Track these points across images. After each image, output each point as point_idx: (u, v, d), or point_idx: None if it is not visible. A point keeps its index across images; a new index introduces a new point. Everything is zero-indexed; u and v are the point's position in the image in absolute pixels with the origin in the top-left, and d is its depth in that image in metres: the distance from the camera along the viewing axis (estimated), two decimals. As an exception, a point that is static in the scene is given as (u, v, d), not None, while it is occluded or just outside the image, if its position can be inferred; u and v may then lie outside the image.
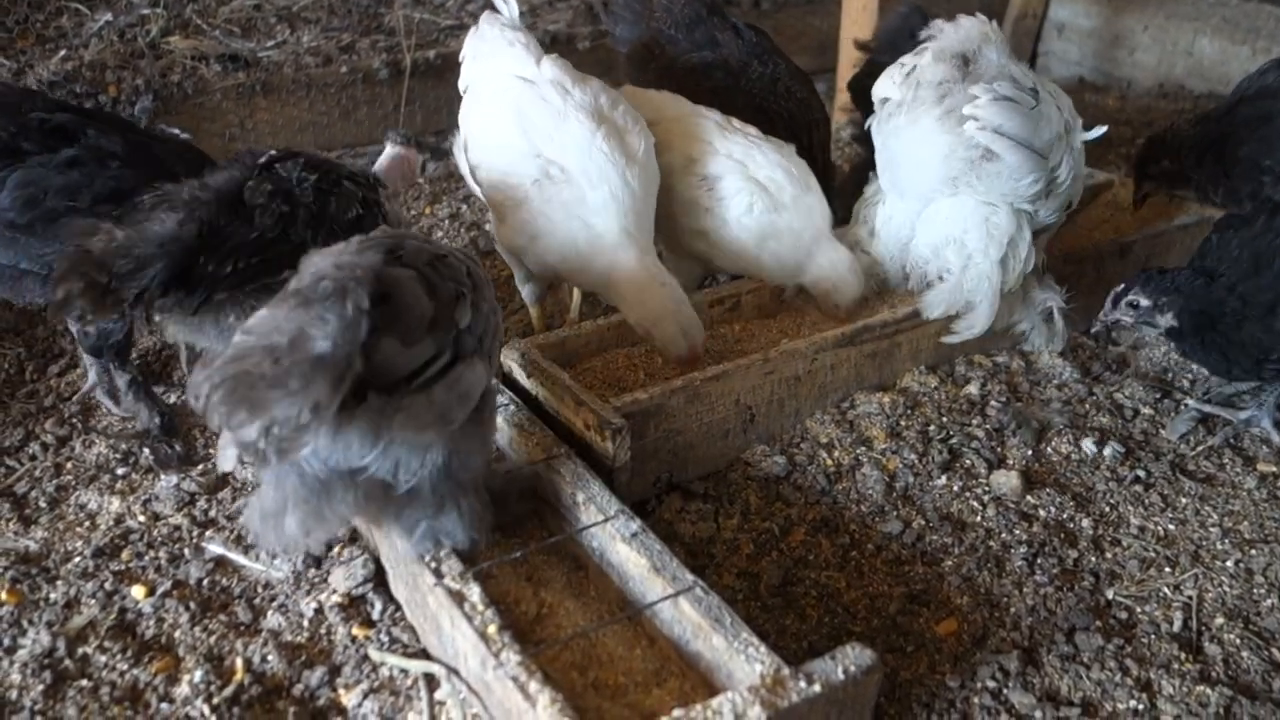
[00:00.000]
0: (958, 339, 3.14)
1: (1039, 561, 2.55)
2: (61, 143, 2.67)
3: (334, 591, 2.40)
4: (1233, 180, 3.50)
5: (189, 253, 2.40)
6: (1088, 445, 2.95)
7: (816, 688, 1.86)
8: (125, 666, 2.21)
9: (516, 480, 2.44)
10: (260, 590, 2.43)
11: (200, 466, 2.82)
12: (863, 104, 3.44)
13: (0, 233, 2.64)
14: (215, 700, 2.12)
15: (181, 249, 2.39)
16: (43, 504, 2.70)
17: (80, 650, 2.24)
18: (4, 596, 2.37)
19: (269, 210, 2.49)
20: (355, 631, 2.31)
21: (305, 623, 2.34)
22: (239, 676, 2.18)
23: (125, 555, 2.52)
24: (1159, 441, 3.03)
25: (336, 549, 2.51)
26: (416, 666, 2.20)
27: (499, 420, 2.58)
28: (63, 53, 4.55)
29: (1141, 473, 2.86)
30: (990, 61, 2.92)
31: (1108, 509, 2.75)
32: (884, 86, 3.04)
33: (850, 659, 1.91)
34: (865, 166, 3.52)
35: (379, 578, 2.42)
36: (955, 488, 2.80)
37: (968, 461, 2.89)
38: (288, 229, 2.50)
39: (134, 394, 2.96)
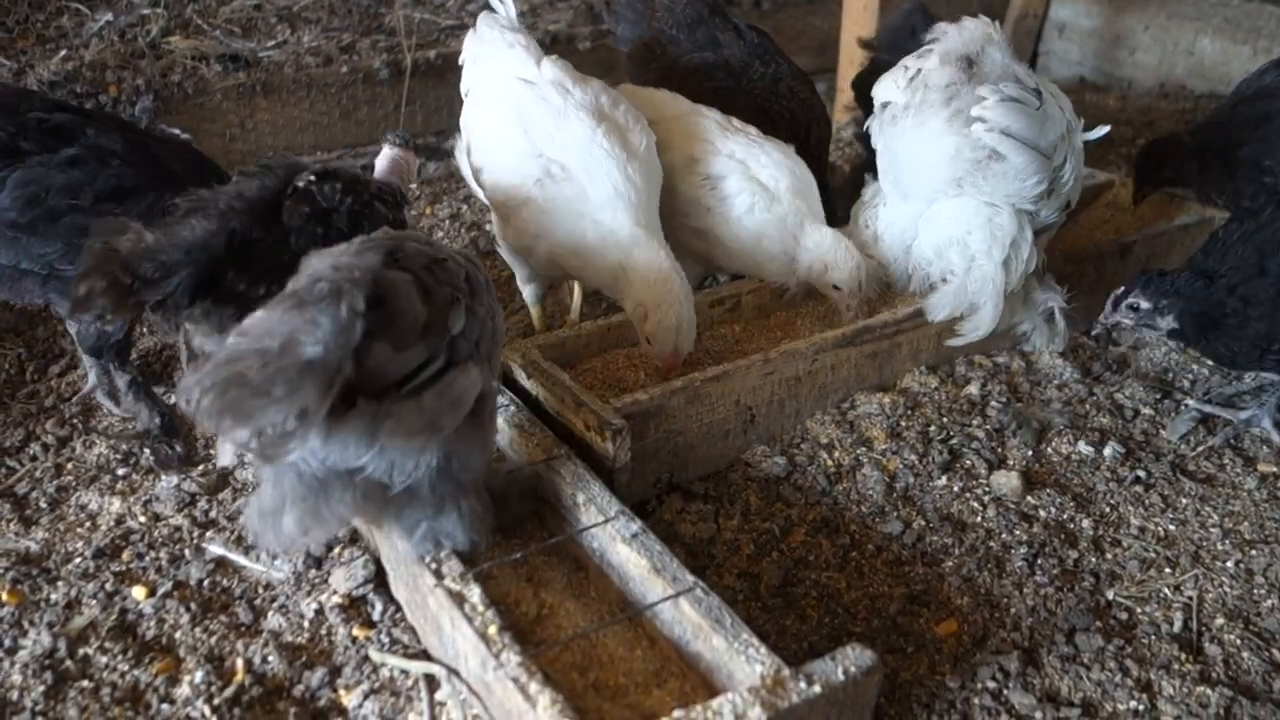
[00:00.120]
0: (962, 341, 3.14)
1: (1039, 562, 2.55)
2: (61, 142, 2.67)
3: (335, 592, 2.40)
4: (1235, 181, 3.50)
5: (216, 262, 2.38)
6: (1087, 446, 2.95)
7: (817, 688, 1.86)
8: (126, 667, 2.21)
9: (517, 480, 2.43)
10: (261, 591, 2.44)
11: (201, 467, 2.82)
12: (866, 102, 3.44)
13: (1, 233, 2.64)
14: (216, 701, 2.12)
15: (209, 258, 2.37)
16: (43, 504, 2.71)
17: (81, 651, 2.25)
18: (5, 597, 2.37)
19: (305, 233, 2.47)
20: (356, 632, 2.31)
21: (306, 623, 2.34)
22: (240, 677, 2.19)
23: (126, 556, 2.52)
24: (1159, 442, 3.03)
25: (337, 550, 2.51)
26: (417, 667, 2.20)
27: (499, 421, 2.58)
28: (63, 53, 4.55)
29: (1142, 473, 2.87)
30: (995, 62, 2.92)
31: (1108, 509, 2.75)
32: (886, 90, 3.04)
33: (850, 660, 1.92)
34: (865, 167, 3.52)
35: (379, 579, 2.42)
36: (955, 488, 2.80)
37: (968, 462, 2.89)
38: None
39: (134, 394, 2.96)
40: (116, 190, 2.68)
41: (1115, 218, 3.91)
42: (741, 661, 1.94)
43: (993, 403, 3.13)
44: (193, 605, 2.37)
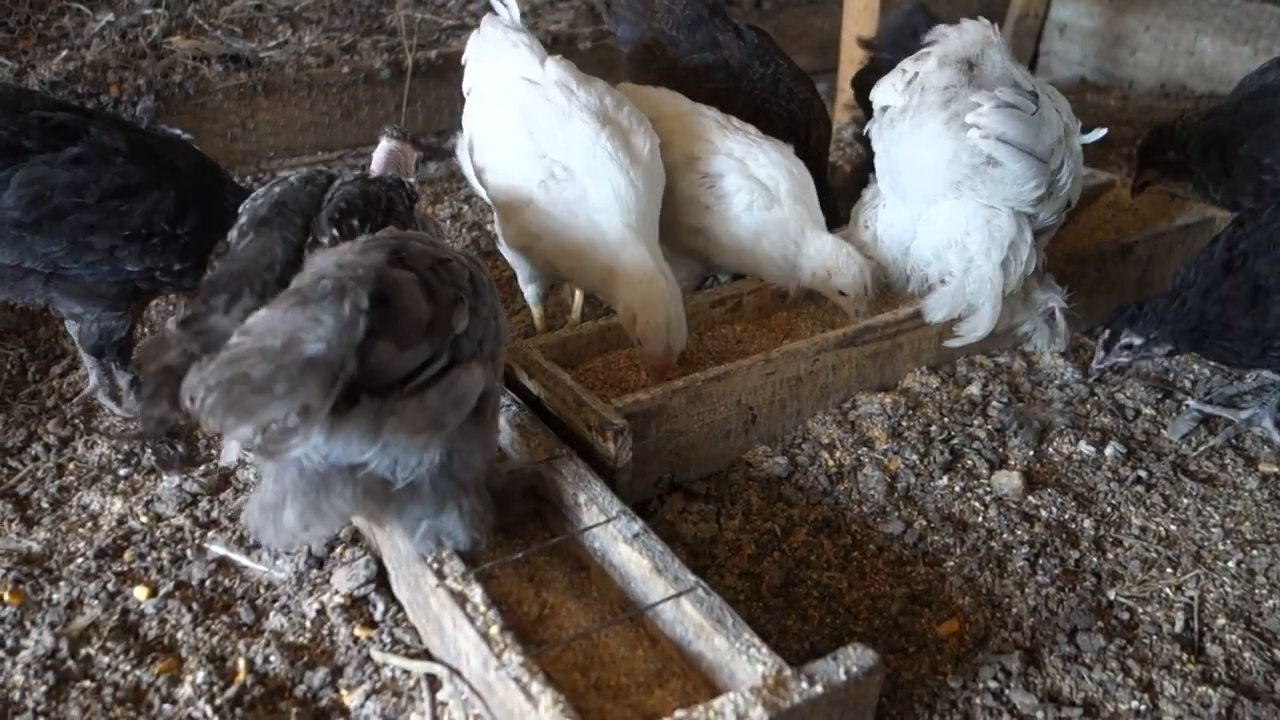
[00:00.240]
0: (961, 342, 3.14)
1: (1041, 562, 2.55)
2: (64, 141, 2.67)
3: (336, 592, 2.40)
4: (1233, 178, 3.50)
5: None
6: (1089, 446, 2.95)
7: (818, 688, 1.86)
8: (128, 667, 2.21)
9: (519, 480, 2.43)
10: (263, 591, 2.44)
11: (202, 467, 2.82)
12: (866, 101, 3.44)
13: (5, 232, 2.64)
14: (218, 701, 2.12)
15: None
16: (45, 505, 2.71)
17: (83, 651, 2.25)
18: (7, 597, 2.37)
19: None
20: (358, 632, 2.31)
21: (308, 623, 2.34)
22: (241, 677, 2.19)
23: (128, 556, 2.52)
24: (1160, 442, 3.03)
25: (339, 550, 2.51)
26: (419, 667, 2.20)
27: (500, 420, 2.58)
28: (64, 53, 4.55)
29: (1143, 473, 2.87)
30: (995, 64, 2.92)
31: (1109, 509, 2.75)
32: (884, 94, 3.04)
33: (852, 660, 1.92)
34: (866, 167, 3.51)
35: (381, 578, 2.42)
36: (957, 488, 2.80)
37: (969, 462, 2.89)
38: None
39: (136, 394, 2.96)
40: (122, 188, 2.68)
41: (1116, 218, 3.91)
42: (743, 661, 1.94)
43: (994, 403, 3.13)
44: (194, 605, 2.37)
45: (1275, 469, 2.92)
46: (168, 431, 2.92)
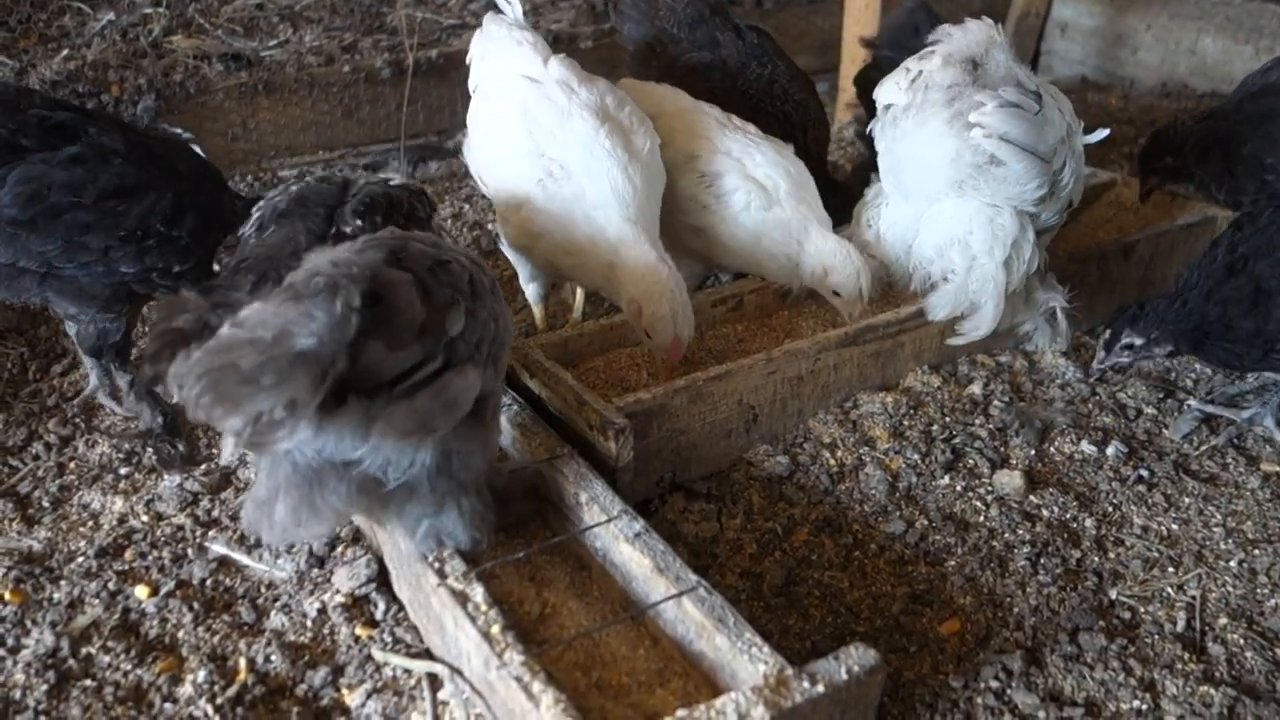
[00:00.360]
0: (963, 341, 3.13)
1: (1042, 561, 2.55)
2: (62, 140, 2.66)
3: (337, 591, 2.40)
4: (1236, 178, 3.50)
5: None
6: (1090, 445, 2.95)
7: (820, 688, 1.86)
8: (129, 666, 2.21)
9: (520, 479, 2.43)
10: (264, 590, 2.44)
11: (203, 466, 2.82)
12: (868, 99, 3.44)
13: (1, 229, 2.63)
14: (219, 700, 2.12)
15: None
16: (46, 504, 2.71)
17: (84, 650, 2.25)
18: (8, 596, 2.37)
19: None
20: (359, 631, 2.31)
21: (309, 623, 2.34)
22: (242, 676, 2.19)
23: (128, 555, 2.52)
24: (1162, 441, 3.03)
25: (340, 549, 2.51)
26: (420, 667, 2.20)
27: (501, 420, 2.58)
28: (65, 52, 4.54)
29: (1145, 472, 2.86)
30: (999, 64, 2.92)
31: (1111, 509, 2.75)
32: (888, 92, 3.04)
33: (853, 659, 1.91)
34: (867, 166, 3.51)
35: (382, 578, 2.42)
36: (958, 487, 2.80)
37: (971, 461, 2.89)
38: None
39: (136, 394, 2.96)
40: (118, 189, 2.68)
41: (1118, 217, 3.91)
42: (745, 661, 1.94)
43: (995, 402, 3.13)
44: (195, 604, 2.37)
45: (1277, 468, 2.92)
46: (169, 430, 2.92)
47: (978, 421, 3.05)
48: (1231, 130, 3.50)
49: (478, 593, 2.07)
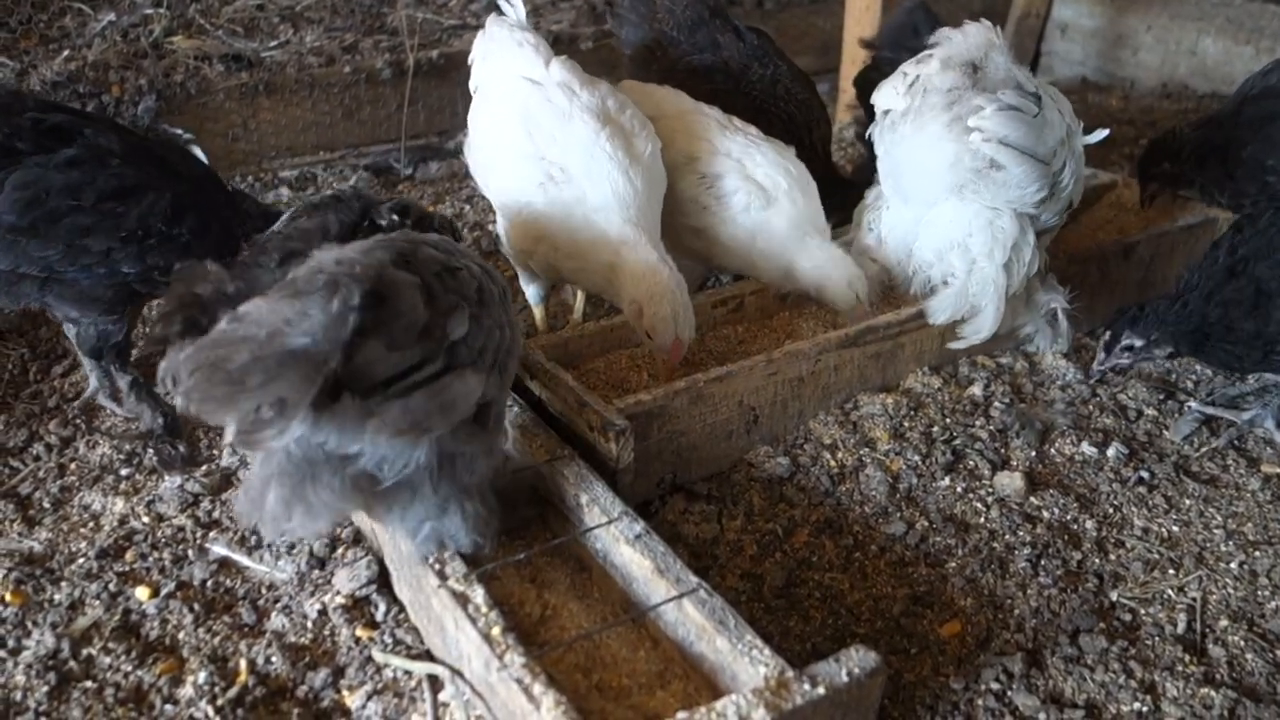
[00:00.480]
0: (964, 344, 3.13)
1: (1043, 563, 2.55)
2: (58, 142, 2.64)
3: (338, 593, 2.40)
4: (1237, 181, 3.50)
5: None
6: (1091, 447, 2.95)
7: (820, 690, 1.86)
8: (129, 668, 2.21)
9: (523, 480, 2.43)
10: (264, 591, 2.44)
11: (204, 467, 2.82)
12: (867, 101, 3.43)
13: (0, 237, 2.63)
14: (219, 702, 2.12)
15: None
16: (47, 505, 2.71)
17: (84, 651, 2.25)
18: (8, 597, 2.37)
19: None
20: (359, 633, 2.31)
21: (309, 624, 2.34)
22: (243, 678, 2.19)
23: (129, 556, 2.52)
24: (1163, 443, 3.03)
25: (340, 550, 2.51)
26: (420, 668, 2.20)
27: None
28: (66, 53, 4.55)
29: (1145, 474, 2.86)
30: (998, 67, 2.92)
31: (1111, 510, 2.75)
32: (886, 96, 3.03)
33: (854, 661, 1.91)
34: (868, 167, 3.51)
35: (383, 579, 2.42)
36: (959, 489, 2.80)
37: (971, 463, 2.89)
38: None
39: (136, 395, 2.96)
40: (118, 190, 2.67)
41: (1119, 218, 3.91)
42: (745, 663, 1.94)
43: (996, 403, 3.13)
44: (196, 606, 2.37)
45: (1277, 470, 2.92)
46: (169, 431, 2.92)
47: (978, 423, 3.05)
48: (1230, 135, 3.50)
49: (478, 594, 2.07)
